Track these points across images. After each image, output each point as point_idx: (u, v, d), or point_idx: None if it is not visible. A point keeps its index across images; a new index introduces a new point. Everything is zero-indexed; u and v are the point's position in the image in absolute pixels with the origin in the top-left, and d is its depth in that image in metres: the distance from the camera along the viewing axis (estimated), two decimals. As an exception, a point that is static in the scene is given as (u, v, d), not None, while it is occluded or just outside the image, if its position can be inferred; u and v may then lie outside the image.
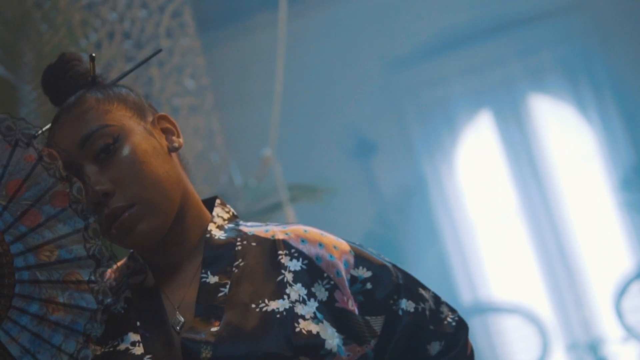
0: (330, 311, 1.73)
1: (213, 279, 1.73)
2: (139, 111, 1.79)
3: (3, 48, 4.23)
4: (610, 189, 7.70)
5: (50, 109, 4.03)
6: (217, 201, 1.87)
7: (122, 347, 1.71)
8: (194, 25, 5.15)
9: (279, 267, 1.75)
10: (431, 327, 1.82)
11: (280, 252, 1.77)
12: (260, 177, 4.99)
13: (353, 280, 1.77)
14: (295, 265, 1.76)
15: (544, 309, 7.44)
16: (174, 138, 1.81)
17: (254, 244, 1.78)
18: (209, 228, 1.79)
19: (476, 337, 7.36)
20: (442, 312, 1.85)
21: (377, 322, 1.77)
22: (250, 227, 1.82)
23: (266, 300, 1.70)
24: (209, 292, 1.71)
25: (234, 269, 1.74)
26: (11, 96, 4.23)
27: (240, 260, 1.75)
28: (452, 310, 1.87)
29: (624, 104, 7.31)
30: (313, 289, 1.74)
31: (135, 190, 1.69)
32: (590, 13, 7.22)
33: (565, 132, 7.82)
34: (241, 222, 1.84)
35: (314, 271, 1.75)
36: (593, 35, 7.43)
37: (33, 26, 4.29)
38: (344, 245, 1.80)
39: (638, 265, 7.58)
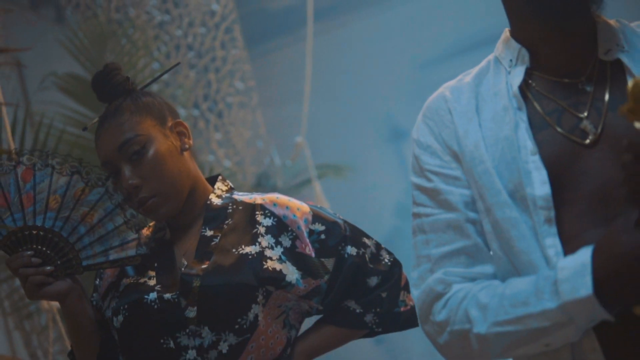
0: (291, 255, 1.99)
1: (209, 233, 1.99)
2: (161, 119, 2.04)
3: (91, 61, 4.57)
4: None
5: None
6: (219, 177, 2.14)
7: (142, 280, 1.99)
8: (242, 39, 5.36)
9: (255, 223, 2.00)
10: (370, 265, 2.05)
11: (257, 212, 2.02)
12: (294, 158, 5.19)
13: (311, 232, 2.02)
14: (267, 222, 2.01)
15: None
16: (186, 140, 2.07)
17: (240, 207, 2.04)
18: (209, 197, 2.06)
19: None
20: (381, 255, 2.08)
21: (329, 263, 2.01)
22: (240, 196, 2.08)
23: (243, 246, 1.96)
24: (205, 242, 1.98)
25: (224, 225, 2.01)
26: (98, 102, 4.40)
27: (229, 219, 2.02)
28: (390, 254, 2.10)
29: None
30: (280, 239, 1.99)
31: (156, 185, 1.98)
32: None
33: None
34: (235, 192, 2.10)
35: (280, 226, 2.00)
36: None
37: (116, 42, 4.66)
38: (305, 208, 2.05)
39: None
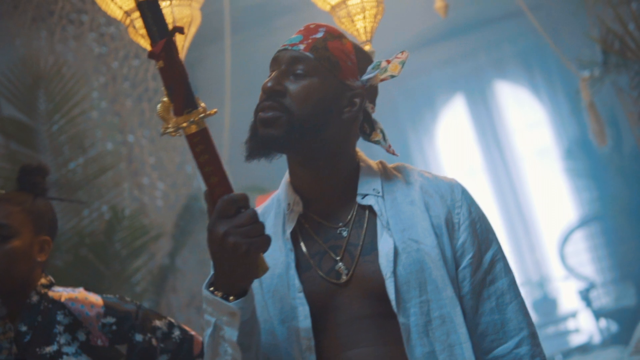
0: (86, 347, 2.23)
1: (24, 328, 2.23)
2: (38, 229, 2.26)
3: (22, 99, 4.79)
4: (557, 155, 7.83)
5: (59, 144, 4.60)
6: (42, 273, 2.32)
7: None
8: (171, 71, 5.45)
9: (56, 322, 2.24)
10: (161, 345, 2.28)
11: (59, 311, 2.24)
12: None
13: (103, 325, 2.25)
14: (65, 320, 2.24)
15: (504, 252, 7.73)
16: (43, 254, 2.27)
17: (50, 305, 2.25)
18: (31, 294, 2.26)
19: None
20: (172, 333, 2.31)
21: (123, 348, 2.26)
22: (54, 292, 2.29)
23: (43, 347, 2.20)
24: (20, 338, 2.22)
25: (35, 322, 2.22)
26: (30, 137, 4.73)
27: (39, 316, 2.24)
28: (181, 330, 2.33)
29: (569, 88, 7.32)
30: (76, 334, 2.23)
31: None
32: (543, 14, 7.07)
33: (522, 110, 8.00)
34: (53, 288, 2.30)
35: (76, 323, 2.24)
36: (545, 33, 7.48)
37: (49, 82, 4.87)
38: (100, 302, 2.27)
39: (578, 218, 7.80)
